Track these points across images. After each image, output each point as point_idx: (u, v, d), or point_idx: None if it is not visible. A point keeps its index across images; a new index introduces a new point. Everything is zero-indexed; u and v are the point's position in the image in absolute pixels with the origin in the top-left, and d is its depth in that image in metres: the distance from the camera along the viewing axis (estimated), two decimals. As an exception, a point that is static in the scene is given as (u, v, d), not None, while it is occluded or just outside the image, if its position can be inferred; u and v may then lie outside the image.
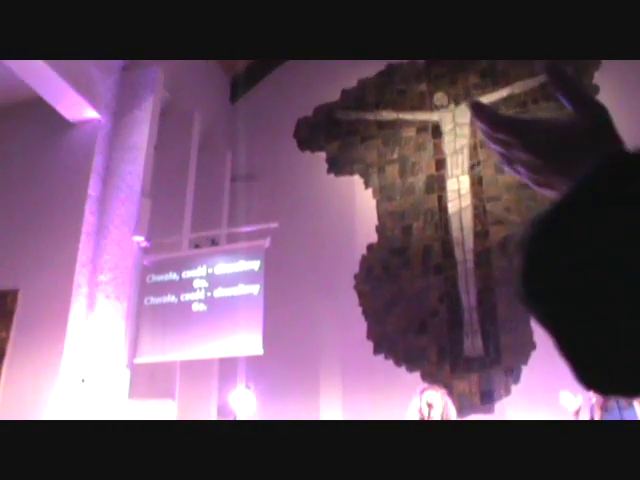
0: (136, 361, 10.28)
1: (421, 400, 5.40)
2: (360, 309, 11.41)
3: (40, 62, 9.24)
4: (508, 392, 10.16)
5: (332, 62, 11.76)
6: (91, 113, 10.70)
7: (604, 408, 5.60)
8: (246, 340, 9.84)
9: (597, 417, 5.58)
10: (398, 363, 10.92)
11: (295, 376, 11.11)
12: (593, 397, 6.95)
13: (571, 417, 5.75)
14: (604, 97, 9.07)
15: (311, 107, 13.25)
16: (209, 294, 10.36)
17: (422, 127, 12.27)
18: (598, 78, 11.07)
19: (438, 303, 10.96)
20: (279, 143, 13.04)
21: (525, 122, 0.90)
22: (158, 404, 10.53)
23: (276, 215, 10.62)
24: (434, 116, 12.23)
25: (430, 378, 10.26)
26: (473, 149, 11.64)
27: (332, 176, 12.48)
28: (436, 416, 5.26)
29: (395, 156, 12.21)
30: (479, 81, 12.09)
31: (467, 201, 11.28)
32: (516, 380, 10.15)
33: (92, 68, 10.59)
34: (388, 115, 12.56)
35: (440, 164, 11.85)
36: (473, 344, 10.55)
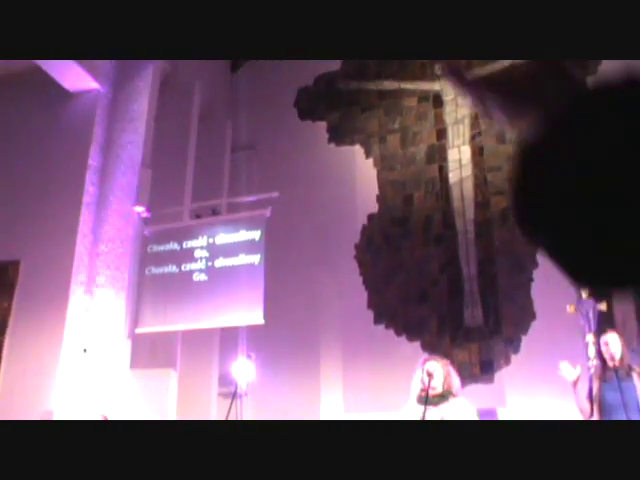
0: (137, 331, 10.32)
1: (423, 370, 5.42)
2: (361, 279, 11.43)
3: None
4: (508, 362, 10.20)
5: (333, 31, 11.67)
6: (91, 83, 10.65)
7: (602, 379, 5.63)
8: (247, 310, 9.87)
9: (595, 388, 5.61)
10: (398, 333, 10.95)
11: (296, 346, 11.16)
12: (592, 368, 6.99)
13: (570, 387, 5.78)
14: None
15: (312, 77, 13.17)
16: (210, 264, 10.37)
17: (423, 97, 12.20)
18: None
19: (438, 273, 10.97)
20: (280, 113, 12.98)
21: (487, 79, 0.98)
22: (159, 374, 10.59)
23: (277, 185, 10.59)
24: (435, 86, 12.16)
25: (430, 348, 10.31)
26: (474, 119, 11.58)
27: (333, 146, 12.44)
28: (437, 386, 5.27)
29: (396, 126, 12.16)
30: (481, 50, 12.00)
31: (468, 171, 11.25)
32: (516, 350, 10.18)
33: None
34: (389, 85, 12.49)
35: (441, 134, 11.80)
36: (473, 314, 10.57)
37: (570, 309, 8.86)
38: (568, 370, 5.68)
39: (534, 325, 10.11)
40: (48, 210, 9.96)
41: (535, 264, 10.31)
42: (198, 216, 10.91)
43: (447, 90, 12.01)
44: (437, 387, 5.29)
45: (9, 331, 9.82)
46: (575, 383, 5.67)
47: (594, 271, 0.79)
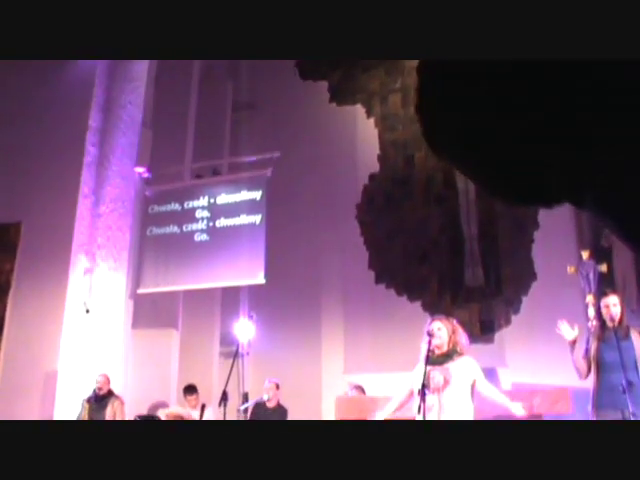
0: (139, 291, 10.36)
1: (428, 330, 5.44)
2: (362, 239, 11.43)
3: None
4: (508, 322, 10.25)
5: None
6: (91, 43, 10.55)
7: (601, 339, 5.65)
8: (248, 270, 9.89)
9: (594, 348, 5.64)
10: (399, 293, 10.99)
11: (297, 305, 11.19)
12: (591, 329, 7.03)
13: (568, 347, 5.81)
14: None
15: (313, 35, 13.04)
16: (211, 224, 10.37)
17: (425, 56, 12.08)
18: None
19: (439, 233, 10.97)
20: (281, 72, 12.88)
21: None
22: (161, 334, 10.65)
23: (278, 145, 10.54)
24: (437, 44, 12.04)
25: (431, 308, 10.35)
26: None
27: (334, 105, 12.37)
28: (442, 345, 5.29)
29: (398, 85, 12.08)
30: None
31: (470, 132, 11.19)
32: (516, 310, 10.23)
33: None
34: (391, 43, 12.37)
35: (443, 93, 11.70)
36: (474, 274, 10.60)
37: (570, 270, 8.88)
38: (567, 330, 5.71)
39: (534, 286, 10.15)
40: (49, 171, 9.93)
41: (536, 225, 10.32)
42: (199, 176, 10.89)
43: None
44: (442, 346, 5.31)
45: (12, 292, 9.85)
46: (573, 343, 5.70)
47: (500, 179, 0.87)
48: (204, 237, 10.36)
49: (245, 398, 9.22)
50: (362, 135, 11.93)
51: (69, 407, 9.07)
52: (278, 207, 10.48)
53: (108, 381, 8.83)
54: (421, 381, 5.01)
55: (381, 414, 5.59)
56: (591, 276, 8.72)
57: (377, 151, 11.77)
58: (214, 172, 10.81)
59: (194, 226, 10.45)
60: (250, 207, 10.22)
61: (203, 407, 9.31)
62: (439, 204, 11.11)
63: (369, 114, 12.10)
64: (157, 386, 10.34)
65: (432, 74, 0.86)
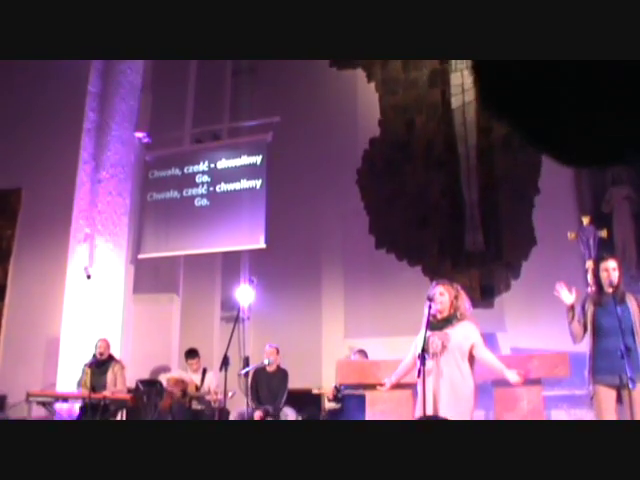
0: (140, 257, 10.39)
1: (429, 294, 5.46)
2: (362, 204, 11.41)
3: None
4: (508, 287, 10.27)
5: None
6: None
7: (598, 304, 5.66)
8: (249, 234, 9.91)
9: (591, 313, 5.65)
10: (400, 257, 10.99)
11: (298, 270, 11.21)
12: (591, 294, 7.03)
13: (565, 311, 5.82)
14: None
15: (313, -3, 12.93)
16: (211, 189, 10.37)
17: (426, 19, 11.98)
18: None
19: (440, 198, 10.95)
20: (281, 35, 12.76)
21: None
22: (162, 299, 10.69)
23: (278, 109, 10.49)
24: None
25: (431, 272, 10.37)
26: (478, 42, 11.40)
27: (335, 70, 12.27)
28: (443, 309, 5.31)
29: (399, 49, 11.97)
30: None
31: (471, 96, 11.11)
32: (516, 276, 10.24)
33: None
34: (392, 6, 12.26)
35: (444, 57, 11.64)
36: (474, 239, 10.60)
37: (571, 236, 8.88)
38: (565, 293, 5.72)
39: (534, 251, 10.14)
40: (49, 138, 9.90)
41: (537, 191, 10.30)
42: (199, 141, 10.87)
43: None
44: (443, 311, 5.34)
45: (13, 259, 9.87)
46: (571, 307, 5.71)
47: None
48: (204, 202, 10.36)
49: (246, 362, 9.28)
50: (362, 99, 11.86)
51: (72, 373, 9.14)
52: (278, 172, 10.45)
53: (108, 346, 8.88)
54: (421, 346, 5.05)
55: (389, 380, 5.65)
56: (591, 242, 8.72)
57: (378, 115, 11.71)
58: (214, 137, 10.79)
59: (194, 191, 10.45)
60: (250, 172, 10.22)
61: (204, 371, 9.39)
62: (440, 168, 11.08)
63: (370, 78, 12.02)
64: (158, 351, 10.40)
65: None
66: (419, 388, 5.23)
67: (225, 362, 6.51)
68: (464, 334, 5.31)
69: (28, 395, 8.26)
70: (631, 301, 5.57)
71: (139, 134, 10.56)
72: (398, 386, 5.65)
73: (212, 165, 10.46)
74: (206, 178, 10.44)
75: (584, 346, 5.70)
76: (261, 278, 9.74)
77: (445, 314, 5.35)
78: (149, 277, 10.70)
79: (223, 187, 10.30)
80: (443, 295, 5.37)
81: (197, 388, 9.21)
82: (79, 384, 8.70)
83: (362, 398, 7.14)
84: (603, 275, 5.68)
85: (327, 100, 11.91)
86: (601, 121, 0.91)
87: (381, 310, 10.52)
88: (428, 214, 10.97)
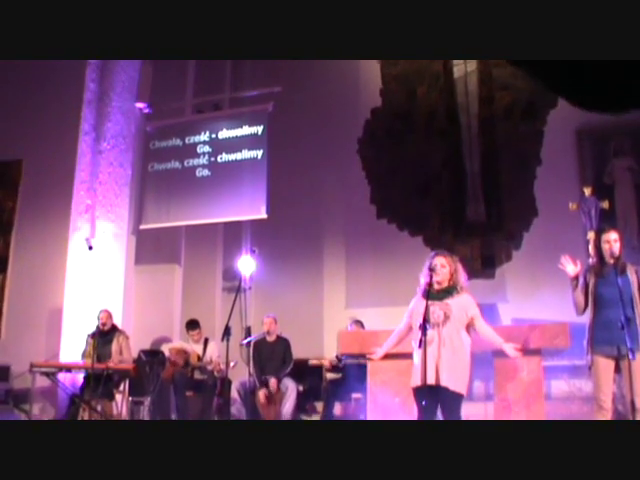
0: (141, 227, 10.40)
1: (431, 264, 5.47)
2: (363, 174, 11.37)
3: None
4: (509, 258, 10.27)
5: None
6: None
7: (599, 275, 5.67)
8: (250, 204, 9.92)
9: (592, 284, 5.66)
10: (401, 227, 10.98)
11: (299, 240, 11.20)
12: (591, 265, 7.05)
13: (568, 283, 5.84)
14: None
15: (314, -34, 12.80)
16: (213, 159, 10.37)
17: (428, -13, 11.87)
18: None
19: (441, 168, 10.92)
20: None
21: None
22: (164, 269, 10.72)
23: (279, 79, 10.45)
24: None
25: (432, 243, 10.38)
26: (480, 11, 11.30)
27: (336, 39, 12.18)
28: (442, 280, 5.32)
29: (400, 18, 11.87)
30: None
31: (473, 66, 11.02)
32: (517, 246, 10.24)
33: None
34: (394, -25, 12.14)
35: (446, 26, 11.52)
36: (476, 210, 10.58)
37: (572, 206, 8.87)
38: (569, 265, 5.73)
39: (536, 222, 10.13)
40: (49, 108, 9.87)
41: (538, 161, 10.27)
42: (200, 111, 10.84)
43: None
44: (443, 282, 5.36)
45: (15, 230, 9.89)
46: (575, 278, 5.73)
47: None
48: (206, 172, 10.36)
49: (248, 332, 9.32)
50: (364, 69, 11.76)
51: (75, 343, 9.19)
52: (280, 142, 10.43)
53: (110, 316, 8.92)
54: (422, 315, 5.06)
55: (381, 350, 5.68)
56: (593, 213, 8.71)
57: (379, 85, 11.64)
58: (215, 107, 10.76)
59: (195, 161, 10.45)
60: (251, 142, 10.21)
61: (206, 341, 9.44)
62: (441, 139, 11.03)
63: (371, 48, 11.93)
64: (160, 321, 10.45)
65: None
66: (415, 358, 5.26)
67: (227, 332, 6.54)
68: (464, 306, 5.34)
69: (31, 366, 8.31)
70: (631, 272, 5.59)
71: (140, 104, 10.53)
72: (399, 356, 5.67)
73: (213, 135, 10.44)
74: (207, 148, 10.43)
75: (584, 317, 5.72)
76: (262, 248, 9.76)
77: (444, 285, 5.37)
78: (151, 248, 10.72)
79: (224, 157, 10.30)
80: (444, 267, 5.38)
81: (199, 358, 9.26)
82: (83, 355, 8.75)
83: (363, 368, 7.18)
84: (604, 246, 5.69)
85: (328, 70, 11.82)
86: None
87: (382, 280, 10.54)
88: (429, 184, 10.95)
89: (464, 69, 11.10)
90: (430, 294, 5.22)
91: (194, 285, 10.97)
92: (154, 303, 10.51)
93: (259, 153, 10.06)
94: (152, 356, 9.14)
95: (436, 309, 5.21)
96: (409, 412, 5.28)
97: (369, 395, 7.03)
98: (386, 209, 11.12)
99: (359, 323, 9.16)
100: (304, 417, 9.57)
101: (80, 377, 8.70)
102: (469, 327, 5.36)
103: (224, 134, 10.39)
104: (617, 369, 5.42)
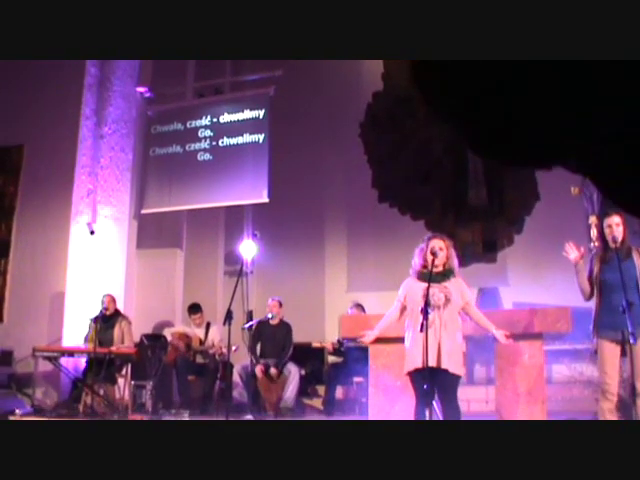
0: (143, 212, 10.40)
1: (427, 247, 5.44)
2: (365, 157, 11.35)
3: None
4: (511, 242, 10.26)
5: None
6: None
7: (603, 260, 5.66)
8: (252, 188, 9.91)
9: (596, 269, 5.65)
10: (403, 211, 10.97)
11: (301, 224, 11.20)
12: (593, 250, 7.04)
13: (572, 268, 5.82)
14: None
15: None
16: (214, 143, 10.36)
17: (430, -30, 11.81)
18: None
19: (443, 152, 10.89)
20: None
21: None
22: (166, 253, 10.72)
23: (280, 63, 10.39)
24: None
25: (434, 227, 10.35)
26: None
27: (338, 22, 12.13)
28: (439, 264, 5.32)
29: (402, 2, 11.82)
30: None
31: (475, 50, 11.00)
32: (519, 230, 10.23)
33: None
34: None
35: (448, 9, 11.48)
36: (477, 194, 10.56)
37: (574, 191, 8.84)
38: (572, 252, 5.71)
39: (538, 206, 10.11)
40: (50, 93, 9.85)
41: (541, 145, 10.24)
42: (201, 95, 10.82)
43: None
44: (439, 265, 5.35)
45: (16, 215, 9.89)
46: (576, 264, 5.71)
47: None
48: (207, 156, 10.35)
49: (249, 316, 9.35)
50: (366, 52, 11.72)
51: (77, 327, 9.21)
52: (281, 126, 10.40)
53: (113, 300, 8.93)
54: (422, 298, 5.05)
55: (372, 333, 5.63)
56: (595, 197, 8.68)
57: (381, 69, 11.60)
58: (216, 91, 10.73)
59: (197, 145, 10.44)
60: (253, 126, 10.19)
61: (208, 325, 9.45)
62: (443, 123, 10.98)
63: (373, 31, 11.89)
64: (162, 305, 10.47)
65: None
66: (407, 341, 5.26)
67: (229, 316, 6.53)
68: (460, 290, 5.35)
69: (34, 350, 8.34)
70: (637, 256, 5.56)
71: (141, 89, 10.51)
72: (401, 339, 5.65)
73: (214, 119, 10.43)
74: (209, 132, 10.42)
75: (589, 302, 5.72)
76: (264, 232, 9.75)
77: (440, 269, 5.36)
78: (152, 232, 10.72)
79: (226, 141, 10.29)
80: (442, 250, 5.38)
81: (201, 342, 9.28)
82: (86, 339, 8.77)
83: (365, 351, 7.20)
84: (607, 231, 5.67)
85: (330, 54, 11.77)
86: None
87: (384, 264, 10.53)
88: (431, 168, 10.93)
89: (466, 53, 11.05)
90: (432, 277, 5.21)
91: (196, 269, 10.98)
92: (156, 287, 10.53)
93: (260, 137, 10.05)
94: (154, 340, 9.17)
95: (436, 292, 5.20)
96: (410, 395, 5.28)
97: (371, 378, 7.05)
98: (388, 193, 11.11)
99: (360, 306, 9.16)
100: (306, 401, 9.60)
101: (82, 361, 8.73)
102: (461, 311, 5.38)
103: (225, 118, 10.37)
104: (622, 353, 5.42)
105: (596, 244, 6.22)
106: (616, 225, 5.60)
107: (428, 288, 5.08)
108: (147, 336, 9.27)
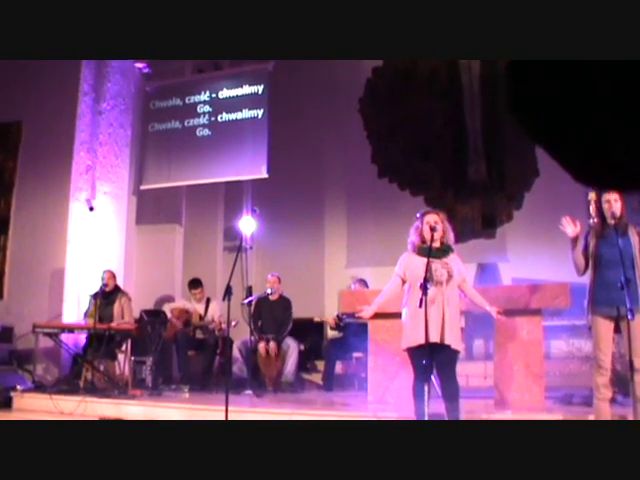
0: (142, 188, 10.40)
1: (423, 223, 5.42)
2: (365, 133, 11.33)
3: None
4: (510, 218, 10.25)
5: None
6: None
7: (600, 235, 5.65)
8: (251, 164, 9.90)
9: (593, 244, 5.64)
10: (402, 187, 10.96)
11: (300, 199, 11.18)
12: (593, 225, 7.04)
13: (568, 243, 5.82)
14: None
15: None
16: (213, 119, 10.33)
17: (430, -57, 11.72)
18: None
19: (443, 128, 10.86)
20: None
21: None
22: (165, 229, 10.73)
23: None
24: None
25: (433, 202, 10.34)
26: (483, -33, 11.17)
27: (337, -4, 12.06)
28: (437, 239, 5.31)
29: (402, -25, 11.74)
30: None
31: (475, 24, 10.94)
32: (518, 206, 10.22)
33: None
34: None
35: (448, -17, 11.41)
36: (477, 169, 10.54)
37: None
38: (569, 226, 5.70)
39: (537, 182, 10.10)
40: (48, 69, 9.79)
41: (540, 120, 10.20)
42: (200, 71, 10.78)
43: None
44: (437, 241, 5.34)
45: (15, 191, 9.88)
46: (575, 239, 5.70)
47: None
48: (206, 132, 10.33)
49: (249, 292, 9.36)
50: (365, 27, 11.67)
51: (77, 304, 9.23)
52: (280, 101, 10.37)
53: (113, 276, 8.95)
54: (423, 273, 5.04)
55: (370, 308, 5.61)
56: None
57: (381, 44, 11.54)
58: (215, 66, 10.69)
59: (196, 121, 10.42)
60: (252, 101, 10.16)
61: (208, 301, 9.48)
62: (443, 98, 10.96)
63: (373, 5, 11.81)
64: (162, 281, 10.49)
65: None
66: (404, 316, 5.27)
67: (228, 291, 6.52)
68: (459, 267, 5.35)
69: (34, 326, 8.35)
70: (633, 233, 5.55)
71: (139, 64, 10.46)
72: (400, 315, 5.66)
73: (213, 95, 10.40)
74: (207, 108, 10.39)
75: (585, 277, 5.72)
76: (263, 208, 9.73)
77: (438, 244, 5.35)
78: (152, 208, 10.73)
79: (225, 117, 10.26)
80: (438, 224, 5.36)
81: (201, 317, 9.31)
82: (86, 315, 8.79)
83: (364, 327, 7.23)
84: (605, 206, 5.65)
85: (329, 28, 11.71)
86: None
87: (383, 239, 10.51)
88: (431, 144, 10.90)
89: (466, 28, 10.99)
90: (431, 252, 5.20)
91: (195, 245, 10.99)
92: (155, 263, 10.54)
93: (260, 112, 10.03)
94: (154, 316, 9.19)
95: (438, 267, 5.19)
96: (409, 371, 5.30)
97: (370, 354, 7.08)
98: (387, 169, 11.09)
99: (363, 282, 9.18)
100: (305, 376, 9.64)
101: (83, 337, 8.76)
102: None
103: (224, 93, 10.34)
104: (617, 329, 5.43)
105: (595, 220, 6.20)
106: (614, 200, 5.58)
107: (428, 263, 5.08)
108: (147, 312, 9.29)
